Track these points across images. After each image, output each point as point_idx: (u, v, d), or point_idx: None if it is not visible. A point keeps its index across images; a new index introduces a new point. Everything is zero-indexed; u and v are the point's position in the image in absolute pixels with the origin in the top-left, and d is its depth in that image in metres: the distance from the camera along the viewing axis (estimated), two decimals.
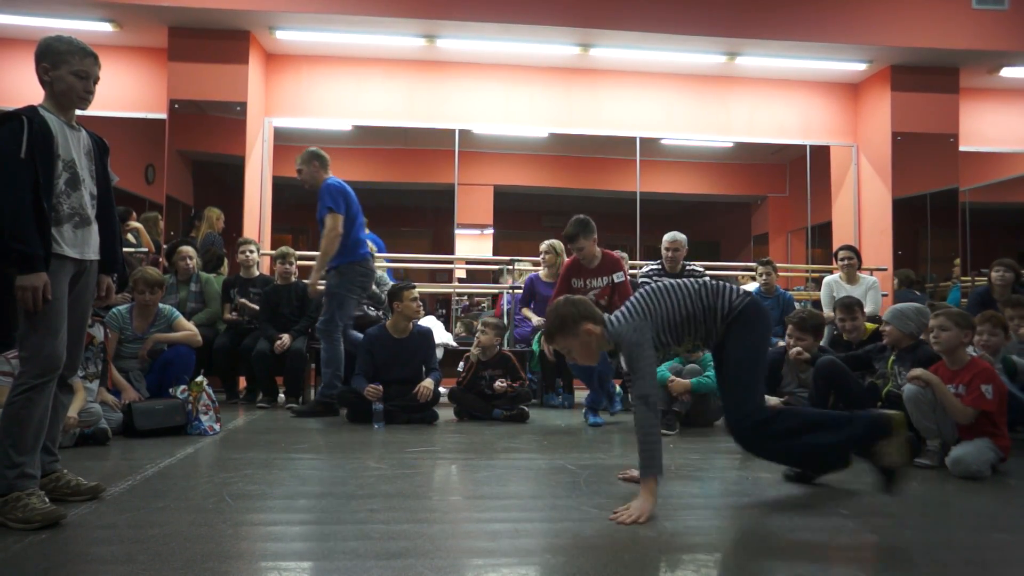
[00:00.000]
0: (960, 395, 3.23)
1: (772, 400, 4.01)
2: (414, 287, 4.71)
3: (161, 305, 4.58)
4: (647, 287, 2.70)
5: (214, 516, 2.30)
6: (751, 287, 6.48)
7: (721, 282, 2.70)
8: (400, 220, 9.01)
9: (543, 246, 5.81)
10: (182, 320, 4.61)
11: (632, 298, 2.68)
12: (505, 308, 6.55)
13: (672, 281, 2.70)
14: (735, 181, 9.16)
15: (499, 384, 4.67)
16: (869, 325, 4.72)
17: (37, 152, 2.26)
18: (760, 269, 5.80)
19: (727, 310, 2.59)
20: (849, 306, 4.37)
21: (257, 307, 5.37)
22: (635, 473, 2.69)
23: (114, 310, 4.32)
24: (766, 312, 2.70)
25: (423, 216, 8.93)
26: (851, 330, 4.37)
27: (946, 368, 3.35)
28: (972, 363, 3.32)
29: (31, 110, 2.31)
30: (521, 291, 5.93)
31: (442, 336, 5.87)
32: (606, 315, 2.63)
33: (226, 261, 6.19)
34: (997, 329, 3.72)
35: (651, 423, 2.42)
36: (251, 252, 5.60)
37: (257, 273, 5.66)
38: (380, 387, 4.40)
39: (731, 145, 7.95)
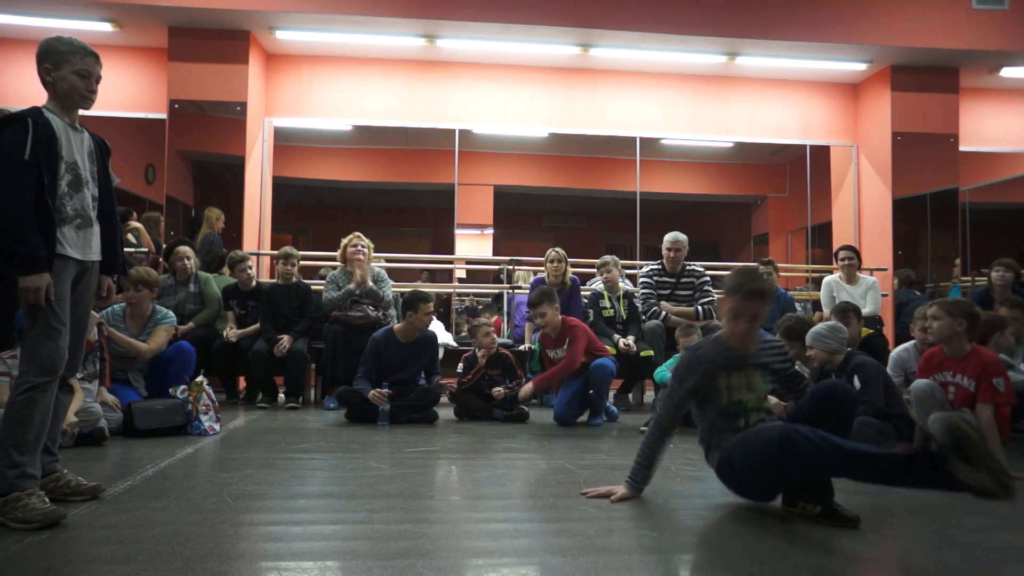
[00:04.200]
0: (964, 387, 3.28)
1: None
2: (431, 299, 4.72)
3: (162, 309, 4.54)
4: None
5: (214, 516, 2.30)
6: None
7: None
8: (400, 220, 9.02)
9: (550, 253, 5.75)
10: (160, 329, 4.40)
11: None
12: (506, 309, 6.56)
13: None
14: (735, 181, 9.16)
15: (497, 391, 4.68)
16: (864, 330, 4.72)
17: (41, 154, 2.27)
18: (761, 269, 5.79)
19: None
20: (844, 311, 4.34)
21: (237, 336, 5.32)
22: (604, 490, 2.64)
23: (107, 309, 4.27)
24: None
25: (423, 216, 8.93)
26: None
27: (944, 356, 3.38)
28: (976, 353, 3.34)
29: (35, 112, 2.32)
30: (527, 292, 5.92)
31: (442, 336, 5.88)
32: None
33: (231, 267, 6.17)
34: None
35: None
36: (250, 268, 5.55)
37: (254, 284, 5.56)
38: (388, 391, 4.41)
39: (731, 145, 7.95)
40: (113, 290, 2.68)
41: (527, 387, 4.61)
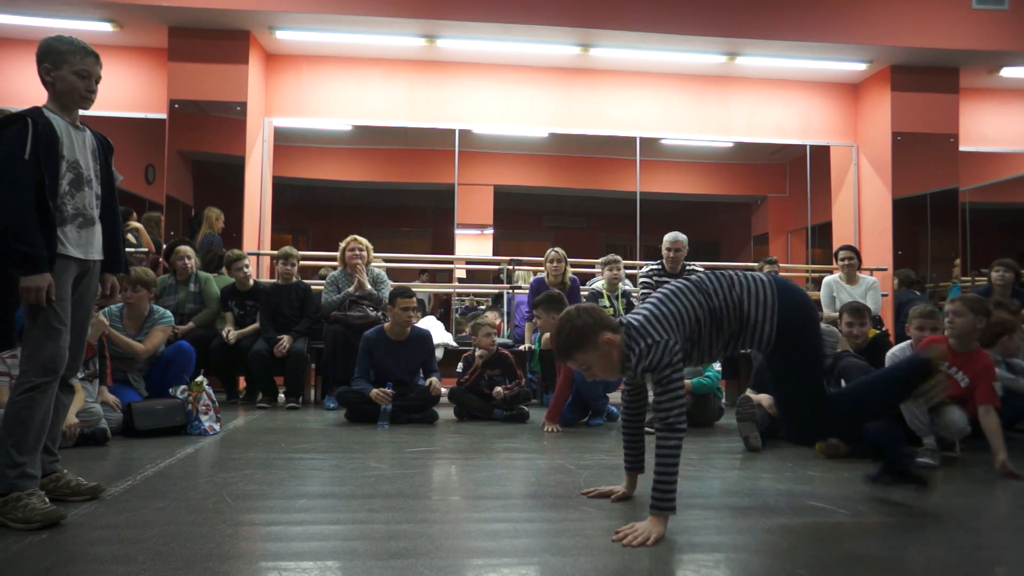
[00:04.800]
0: (956, 380, 3.38)
1: (770, 399, 4.02)
2: (411, 295, 4.70)
3: (160, 309, 4.54)
4: (667, 289, 2.42)
5: (214, 516, 2.30)
6: None
7: (737, 274, 2.44)
8: (400, 220, 9.02)
9: (550, 253, 5.76)
10: (157, 329, 4.39)
11: (649, 303, 2.40)
12: (506, 309, 6.56)
13: (683, 283, 2.43)
14: (735, 181, 9.16)
15: (498, 391, 4.68)
16: (871, 331, 4.71)
17: (42, 153, 2.27)
18: (766, 268, 5.79)
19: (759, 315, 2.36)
20: (858, 310, 4.30)
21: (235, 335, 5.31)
22: (604, 489, 2.64)
23: (105, 309, 4.25)
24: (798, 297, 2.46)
25: (423, 216, 8.93)
26: (858, 335, 4.30)
27: (949, 347, 3.43)
28: (978, 354, 3.41)
29: (36, 111, 2.32)
30: (527, 292, 5.92)
31: (442, 336, 5.87)
32: (629, 317, 2.38)
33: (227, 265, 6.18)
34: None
35: (675, 456, 2.18)
36: (247, 268, 5.54)
37: (251, 283, 5.57)
38: (390, 391, 4.40)
39: (731, 145, 7.95)
40: (117, 288, 2.68)
41: (551, 428, 4.33)
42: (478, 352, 4.83)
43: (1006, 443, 3.22)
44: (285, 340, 5.15)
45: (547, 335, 5.02)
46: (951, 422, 3.34)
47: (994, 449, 3.19)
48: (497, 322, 6.24)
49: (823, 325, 4.00)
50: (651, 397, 2.27)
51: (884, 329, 5.84)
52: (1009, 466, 3.13)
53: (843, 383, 3.64)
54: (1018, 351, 3.92)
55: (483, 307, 7.15)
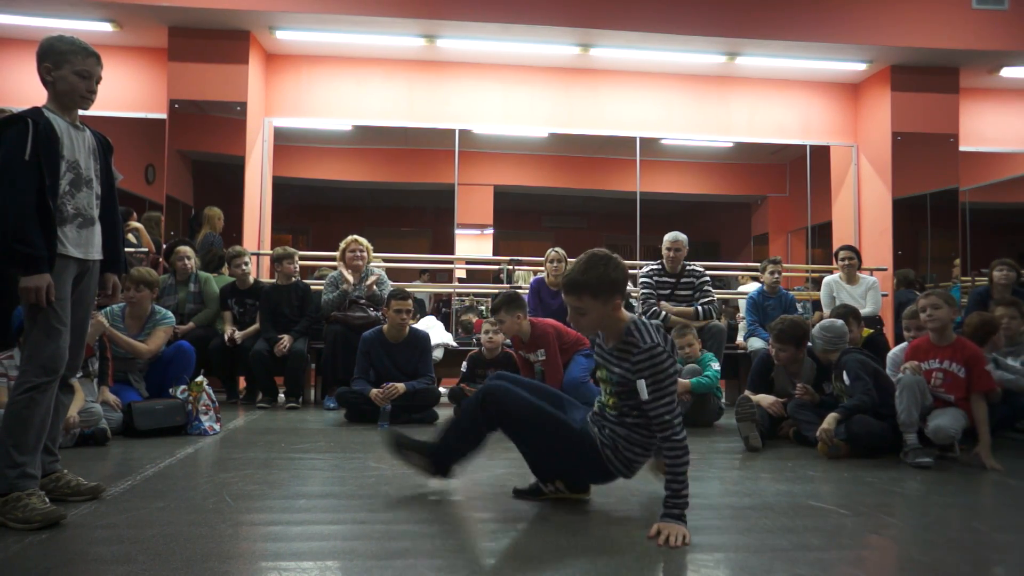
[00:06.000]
0: (952, 373, 3.42)
1: (769, 399, 4.03)
2: (406, 297, 4.69)
3: (161, 309, 4.54)
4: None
5: (214, 516, 2.30)
6: (752, 287, 6.49)
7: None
8: (400, 220, 9.02)
9: (550, 253, 5.76)
10: (160, 330, 4.40)
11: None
12: None
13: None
14: (735, 181, 9.16)
15: (470, 388, 4.66)
16: (865, 330, 4.73)
17: (42, 154, 2.27)
18: (771, 268, 5.78)
19: None
20: (843, 315, 4.37)
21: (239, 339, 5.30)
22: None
23: (106, 309, 4.25)
24: None
25: (423, 216, 8.93)
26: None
27: (931, 344, 3.46)
28: (960, 343, 3.47)
29: (36, 112, 2.32)
30: (527, 292, 5.91)
31: (442, 336, 5.87)
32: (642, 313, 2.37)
33: (227, 262, 6.18)
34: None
35: (685, 474, 2.22)
36: (246, 265, 5.54)
37: (252, 282, 5.58)
38: (390, 391, 4.40)
39: (731, 145, 7.95)
40: (119, 288, 2.68)
41: None
42: (485, 351, 4.82)
43: (1009, 441, 3.26)
44: (285, 340, 5.14)
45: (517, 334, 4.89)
46: (938, 428, 3.35)
47: (980, 437, 3.29)
48: (476, 321, 6.24)
49: (832, 319, 4.01)
50: (644, 395, 2.24)
51: (879, 328, 5.84)
52: (983, 456, 3.23)
53: (845, 376, 3.64)
54: (1002, 346, 3.95)
55: (467, 304, 7.14)
